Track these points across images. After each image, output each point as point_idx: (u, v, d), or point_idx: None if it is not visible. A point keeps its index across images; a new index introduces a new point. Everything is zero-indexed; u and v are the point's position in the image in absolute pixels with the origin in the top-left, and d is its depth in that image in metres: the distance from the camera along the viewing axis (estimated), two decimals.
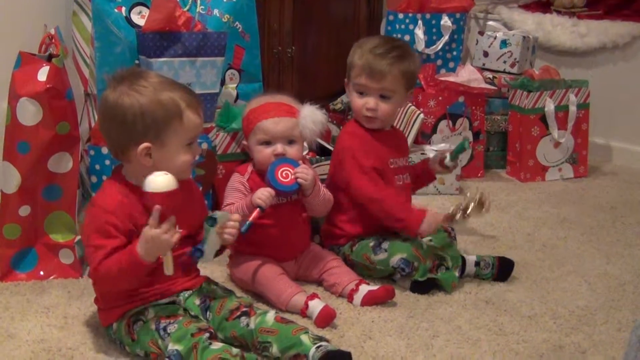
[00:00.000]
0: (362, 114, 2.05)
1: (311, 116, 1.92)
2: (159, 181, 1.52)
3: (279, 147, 1.92)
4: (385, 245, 1.99)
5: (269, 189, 1.86)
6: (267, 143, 1.93)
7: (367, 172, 2.01)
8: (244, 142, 2.02)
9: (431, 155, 2.47)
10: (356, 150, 2.03)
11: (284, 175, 1.88)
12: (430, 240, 2.01)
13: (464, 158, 2.89)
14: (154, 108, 1.57)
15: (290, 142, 1.94)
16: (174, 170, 1.63)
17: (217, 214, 1.67)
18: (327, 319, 1.77)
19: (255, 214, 1.82)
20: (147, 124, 1.57)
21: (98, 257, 1.56)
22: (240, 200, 1.90)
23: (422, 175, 2.21)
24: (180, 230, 1.64)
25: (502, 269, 2.05)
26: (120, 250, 1.57)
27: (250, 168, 1.98)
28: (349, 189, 2.03)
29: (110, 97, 1.60)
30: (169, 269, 1.57)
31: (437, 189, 2.76)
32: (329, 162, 2.24)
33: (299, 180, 1.88)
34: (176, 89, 1.62)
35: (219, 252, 1.71)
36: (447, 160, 2.14)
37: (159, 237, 1.51)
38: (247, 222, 1.80)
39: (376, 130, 2.08)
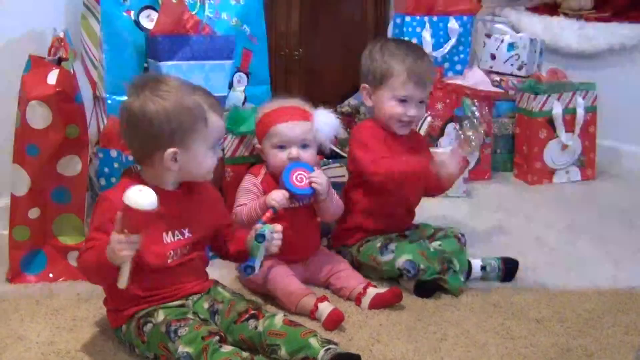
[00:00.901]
0: (399, 120, 2.03)
1: (326, 120, 1.93)
2: (140, 197, 1.42)
3: (293, 151, 1.93)
4: (392, 246, 1.99)
5: (283, 191, 1.87)
6: (282, 147, 1.94)
7: (376, 158, 1.98)
8: (258, 146, 2.03)
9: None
10: (370, 143, 2.01)
11: (298, 179, 1.89)
12: (440, 245, 2.01)
13: (471, 159, 2.88)
14: (180, 112, 1.57)
15: (304, 146, 1.95)
16: (199, 173, 1.65)
17: (264, 229, 1.67)
18: (335, 321, 1.78)
19: (268, 214, 1.83)
20: (174, 129, 1.57)
21: (86, 248, 1.56)
22: (253, 201, 1.91)
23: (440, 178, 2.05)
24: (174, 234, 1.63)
25: (508, 270, 2.06)
26: None
27: (263, 170, 1.99)
28: (364, 173, 2.01)
29: (135, 105, 1.59)
30: (120, 282, 1.49)
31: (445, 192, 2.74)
32: (336, 165, 2.25)
33: (314, 185, 1.89)
34: (197, 92, 1.64)
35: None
36: (465, 128, 2.03)
37: (110, 241, 1.46)
38: (259, 222, 1.81)
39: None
